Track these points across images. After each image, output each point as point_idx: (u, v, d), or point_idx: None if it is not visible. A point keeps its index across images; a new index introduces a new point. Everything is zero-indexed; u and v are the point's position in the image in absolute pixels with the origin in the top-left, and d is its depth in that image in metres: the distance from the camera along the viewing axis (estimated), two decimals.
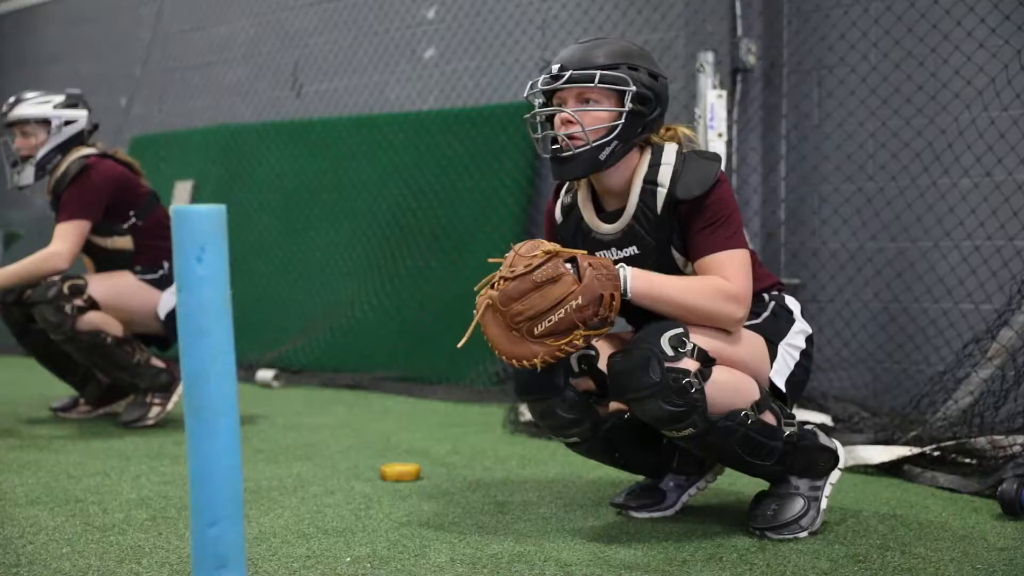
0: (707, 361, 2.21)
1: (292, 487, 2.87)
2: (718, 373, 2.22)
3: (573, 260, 2.17)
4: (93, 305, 3.72)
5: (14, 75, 8.02)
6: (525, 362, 2.17)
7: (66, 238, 3.72)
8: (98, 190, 3.78)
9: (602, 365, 2.29)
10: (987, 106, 3.62)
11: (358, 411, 4.25)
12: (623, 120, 2.26)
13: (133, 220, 3.86)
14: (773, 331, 2.37)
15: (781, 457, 2.31)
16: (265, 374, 4.99)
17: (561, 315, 2.13)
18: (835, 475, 2.41)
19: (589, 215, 2.39)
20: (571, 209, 2.43)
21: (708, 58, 3.76)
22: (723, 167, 2.32)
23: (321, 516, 2.56)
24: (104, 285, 3.79)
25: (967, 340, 3.41)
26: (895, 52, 3.85)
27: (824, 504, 2.37)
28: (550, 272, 2.13)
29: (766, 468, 2.33)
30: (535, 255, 2.15)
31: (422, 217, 5.14)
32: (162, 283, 3.89)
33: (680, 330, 2.19)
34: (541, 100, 2.36)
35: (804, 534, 2.32)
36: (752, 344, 2.32)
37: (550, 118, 2.35)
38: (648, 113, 2.30)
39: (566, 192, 2.46)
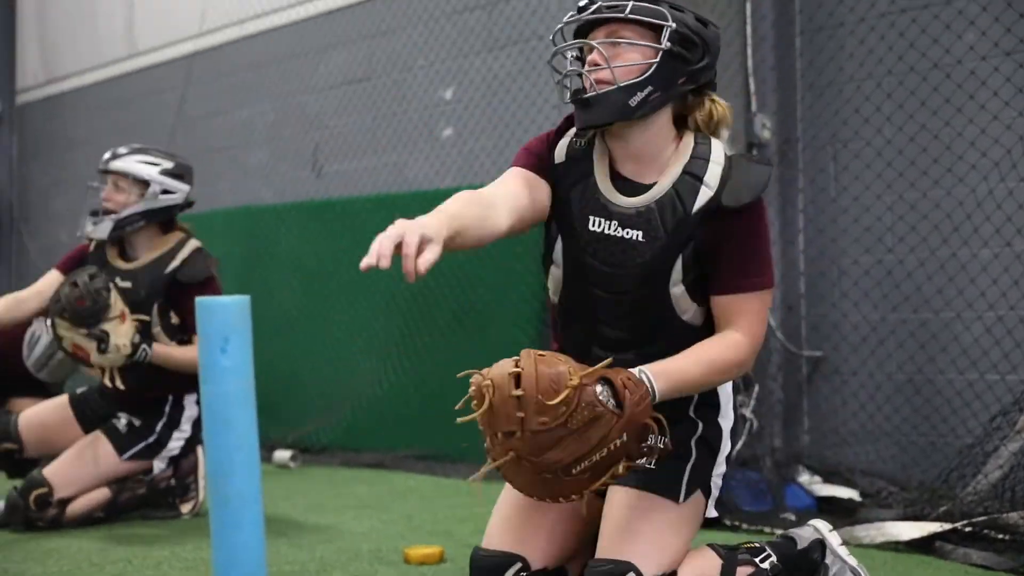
0: None
1: (315, 571, 2.84)
2: None
3: (605, 380, 1.86)
4: (67, 502, 3.46)
5: (40, 161, 8.16)
6: (562, 499, 1.90)
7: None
8: None
9: None
10: (1004, 177, 3.63)
11: (380, 491, 4.22)
12: (658, 59, 1.97)
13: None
14: (703, 472, 2.09)
15: None
16: (282, 455, 4.97)
17: (604, 455, 1.84)
18: (833, 540, 2.17)
19: (603, 178, 2.06)
20: (581, 159, 2.08)
21: (723, 134, 3.78)
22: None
23: None
24: (72, 480, 3.46)
25: (994, 411, 3.37)
26: (909, 125, 3.87)
27: (852, 563, 2.16)
28: (587, 415, 1.81)
29: None
30: (562, 394, 1.80)
31: (442, 295, 5.16)
32: (152, 450, 3.56)
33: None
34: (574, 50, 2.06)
35: None
36: (692, 519, 2.09)
37: (582, 63, 2.04)
38: (693, 61, 2.00)
39: (577, 136, 2.09)
